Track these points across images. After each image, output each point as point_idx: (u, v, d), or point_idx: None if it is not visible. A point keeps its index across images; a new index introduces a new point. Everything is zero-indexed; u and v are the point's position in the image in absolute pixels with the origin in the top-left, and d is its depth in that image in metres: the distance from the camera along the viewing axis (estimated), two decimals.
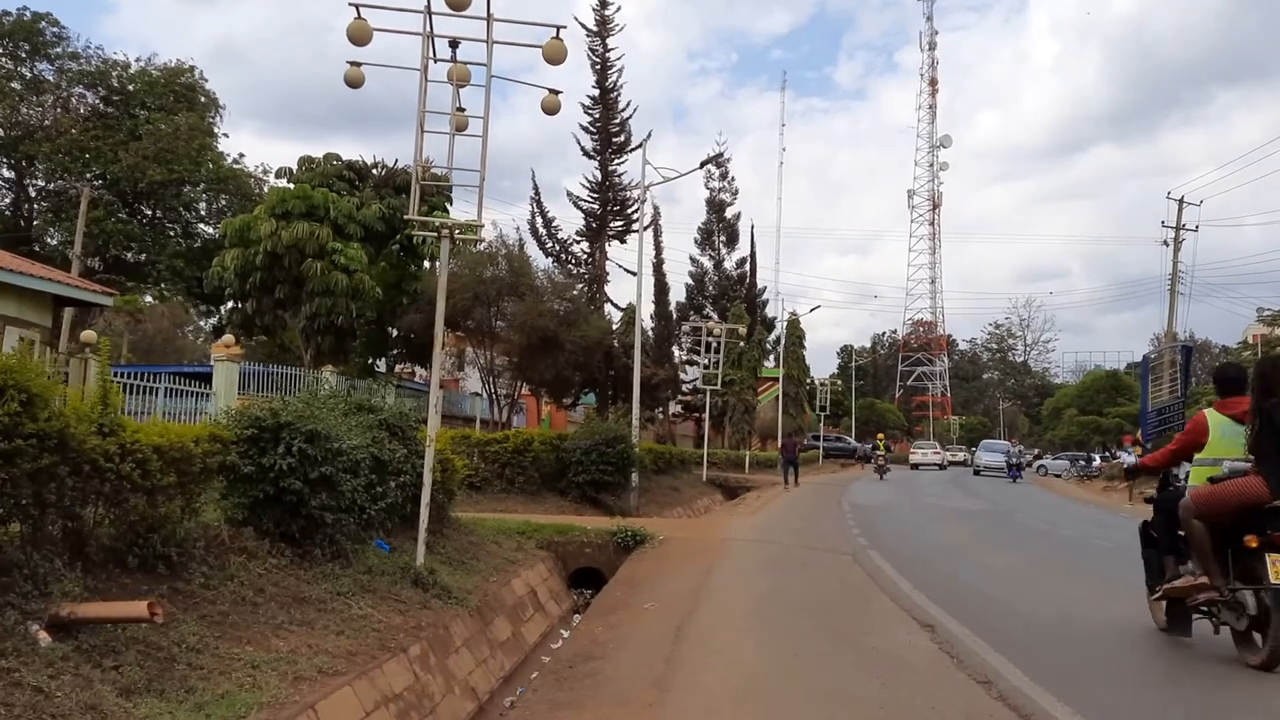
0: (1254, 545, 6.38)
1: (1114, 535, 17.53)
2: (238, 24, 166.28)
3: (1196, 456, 7.15)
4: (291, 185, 27.83)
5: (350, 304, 26.41)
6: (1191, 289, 56.25)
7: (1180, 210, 50.22)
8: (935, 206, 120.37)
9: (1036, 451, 74.49)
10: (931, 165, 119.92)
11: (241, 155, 45.08)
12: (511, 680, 9.93)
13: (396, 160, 30.46)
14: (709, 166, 57.40)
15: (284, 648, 7.11)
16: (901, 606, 8.99)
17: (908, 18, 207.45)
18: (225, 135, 47.06)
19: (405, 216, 12.19)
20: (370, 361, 31.82)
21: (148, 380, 19.27)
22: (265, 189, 34.79)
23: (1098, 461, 58.50)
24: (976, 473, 53.43)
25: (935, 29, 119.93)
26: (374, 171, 29.70)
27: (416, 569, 10.05)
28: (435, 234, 11.06)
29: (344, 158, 29.31)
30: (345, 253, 26.41)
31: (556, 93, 11.45)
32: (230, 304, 28.57)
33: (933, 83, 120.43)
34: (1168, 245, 50.16)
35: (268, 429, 8.84)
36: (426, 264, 30.05)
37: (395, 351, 31.80)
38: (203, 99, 50.68)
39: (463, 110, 11.19)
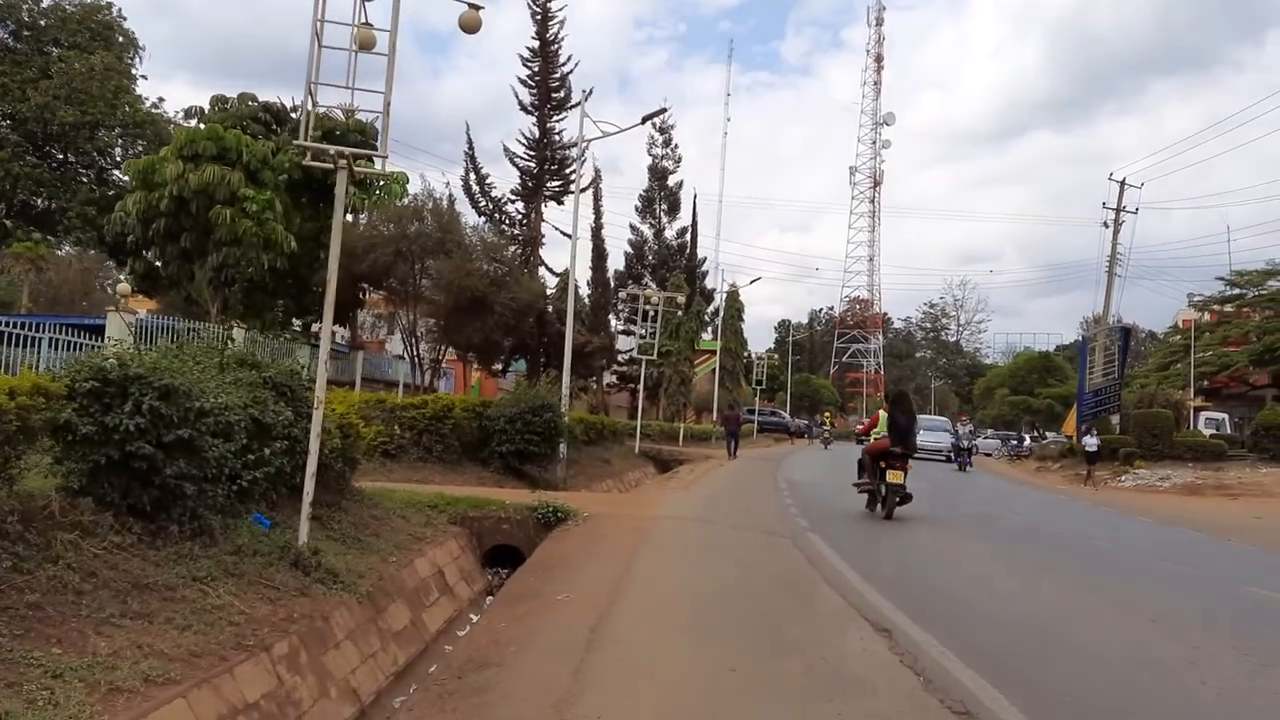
0: (883, 466, 15.38)
1: (1077, 525, 16.76)
2: None
3: (874, 432, 16.07)
4: (202, 126, 25.89)
5: (261, 255, 24.66)
6: (1127, 272, 56.36)
7: (1121, 192, 50.07)
8: (876, 184, 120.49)
9: (989, 432, 72.21)
10: (874, 142, 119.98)
11: (161, 100, 42.63)
12: (405, 676, 8.66)
13: (316, 104, 28.55)
14: (652, 131, 56.27)
15: (105, 649, 5.74)
16: (851, 604, 7.87)
17: None
18: (144, 77, 44.40)
19: (295, 143, 10.70)
20: (290, 319, 30.02)
21: (31, 330, 17.51)
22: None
23: (1028, 442, 58.65)
24: None
25: (883, 4, 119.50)
26: (293, 115, 27.81)
27: (298, 549, 8.69)
28: (331, 165, 9.59)
29: (260, 99, 27.39)
30: (257, 200, 24.62)
31: (477, 8, 10.03)
32: (135, 254, 26.58)
33: (878, 59, 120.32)
34: (1107, 226, 50.00)
35: (113, 383, 7.40)
36: (350, 217, 28.31)
37: (315, 309, 29.96)
38: (120, 38, 48.11)
39: (368, 25, 9.74)
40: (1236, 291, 53.46)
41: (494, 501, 14.26)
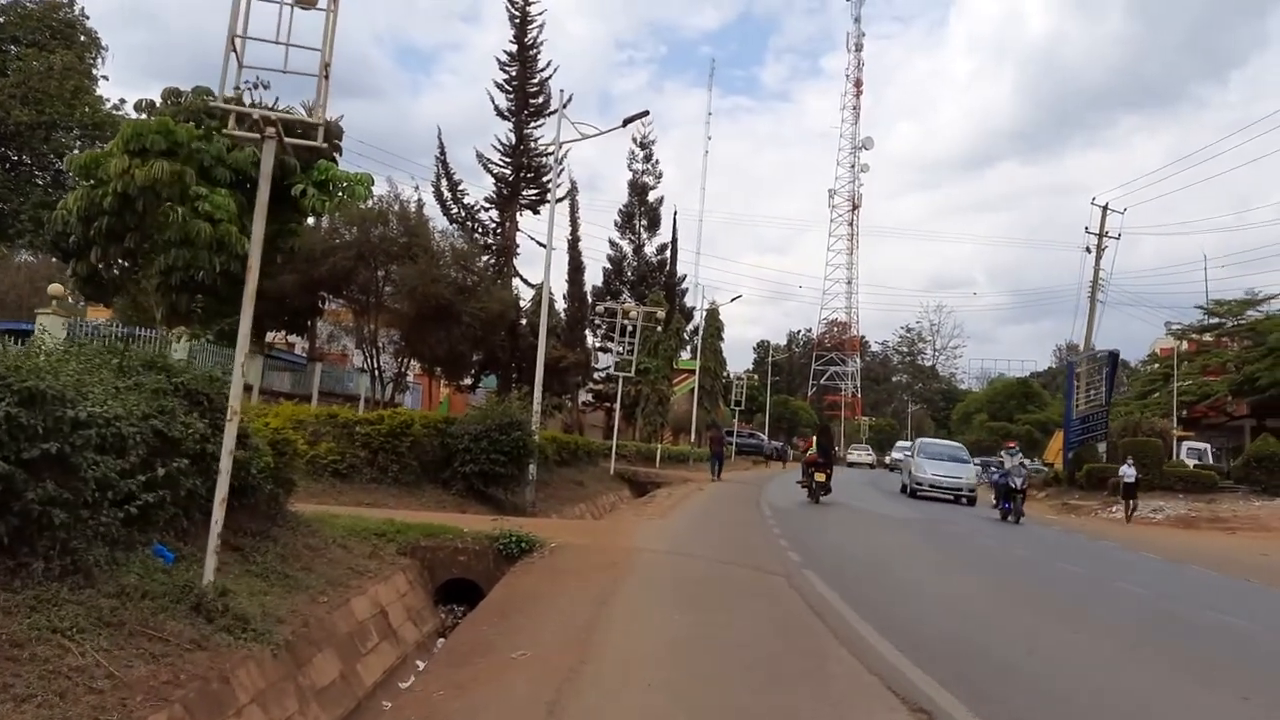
0: (813, 472, 24.89)
1: (1100, 567, 15.32)
2: None
3: (809, 453, 26.99)
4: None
5: (213, 258, 23.01)
6: (1107, 298, 55.24)
7: (1104, 217, 49.25)
8: (855, 207, 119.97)
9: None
10: (853, 166, 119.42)
11: (123, 100, 41.01)
12: None
13: (277, 100, 26.94)
14: (633, 146, 55.15)
15: None
16: (871, 669, 6.44)
17: (834, 23, 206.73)
18: (105, 78, 42.88)
19: (211, 103, 9.21)
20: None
21: None
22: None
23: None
24: (912, 493, 32.98)
25: (863, 30, 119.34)
26: (251, 111, 26.17)
27: (200, 589, 7.19)
28: (256, 137, 8.14)
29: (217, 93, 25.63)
30: (211, 199, 22.94)
31: None
32: (77, 255, 24.82)
33: (858, 84, 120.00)
34: (1090, 252, 49.23)
35: None
36: (311, 220, 26.67)
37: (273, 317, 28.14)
38: (82, 37, 46.77)
39: None
40: (1215, 321, 52.88)
41: (450, 529, 12.75)
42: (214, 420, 8.79)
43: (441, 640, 11.14)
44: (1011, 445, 28.22)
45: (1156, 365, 60.38)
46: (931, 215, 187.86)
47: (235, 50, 7.92)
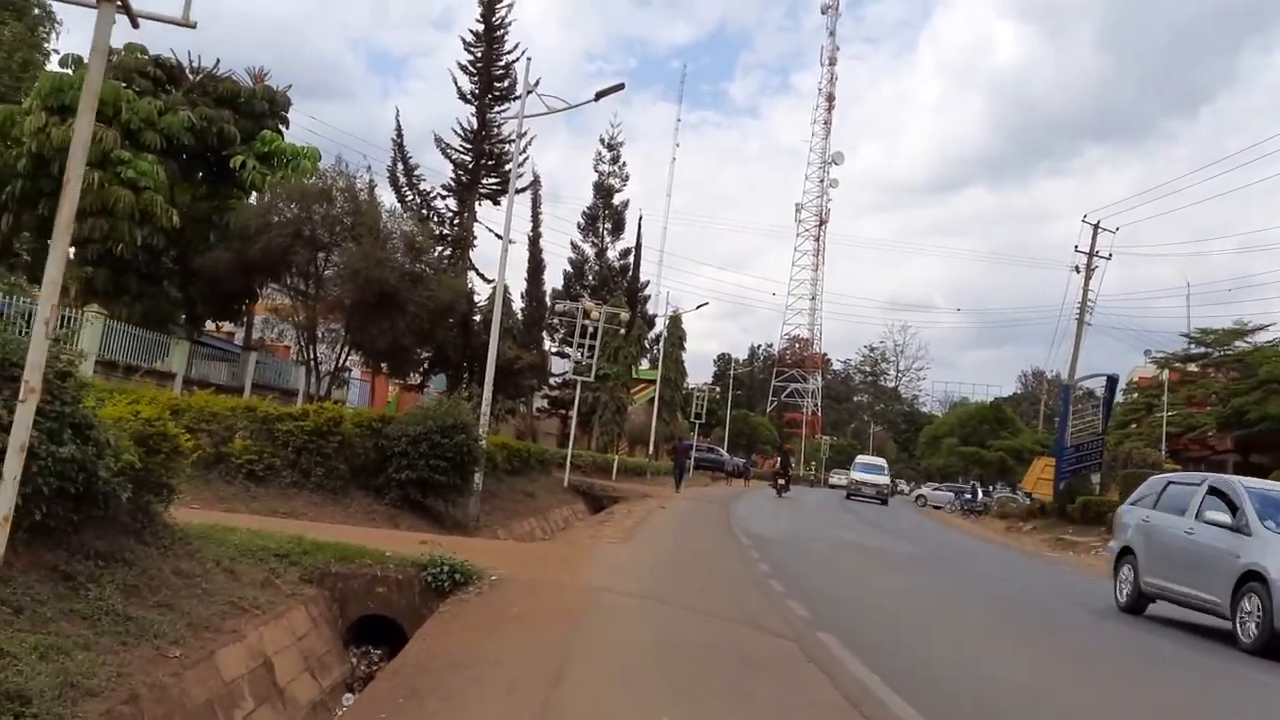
0: (778, 478, 43.24)
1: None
2: None
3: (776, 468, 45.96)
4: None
5: (134, 230, 20.58)
6: (1103, 318, 53.37)
7: (1095, 236, 47.79)
8: (822, 223, 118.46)
9: (932, 485, 69.30)
10: (822, 181, 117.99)
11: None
12: None
13: (218, 62, 24.47)
14: (600, 148, 53.41)
15: None
16: None
17: (806, 41, 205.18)
18: (57, 51, 40.55)
19: None
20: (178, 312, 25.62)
21: None
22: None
23: (981, 496, 55.84)
24: (848, 495, 51.29)
25: (836, 45, 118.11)
26: (189, 75, 23.69)
27: None
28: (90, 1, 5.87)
29: (151, 51, 23.21)
30: (136, 165, 20.57)
31: None
32: None
33: (829, 98, 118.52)
34: (1079, 271, 47.70)
35: None
36: (254, 198, 24.21)
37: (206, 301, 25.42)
38: (36, 10, 44.73)
39: None
40: (1201, 350, 51.58)
41: (369, 552, 10.42)
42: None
43: (349, 695, 8.91)
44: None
45: (1136, 394, 59.02)
46: (895, 236, 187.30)
47: None
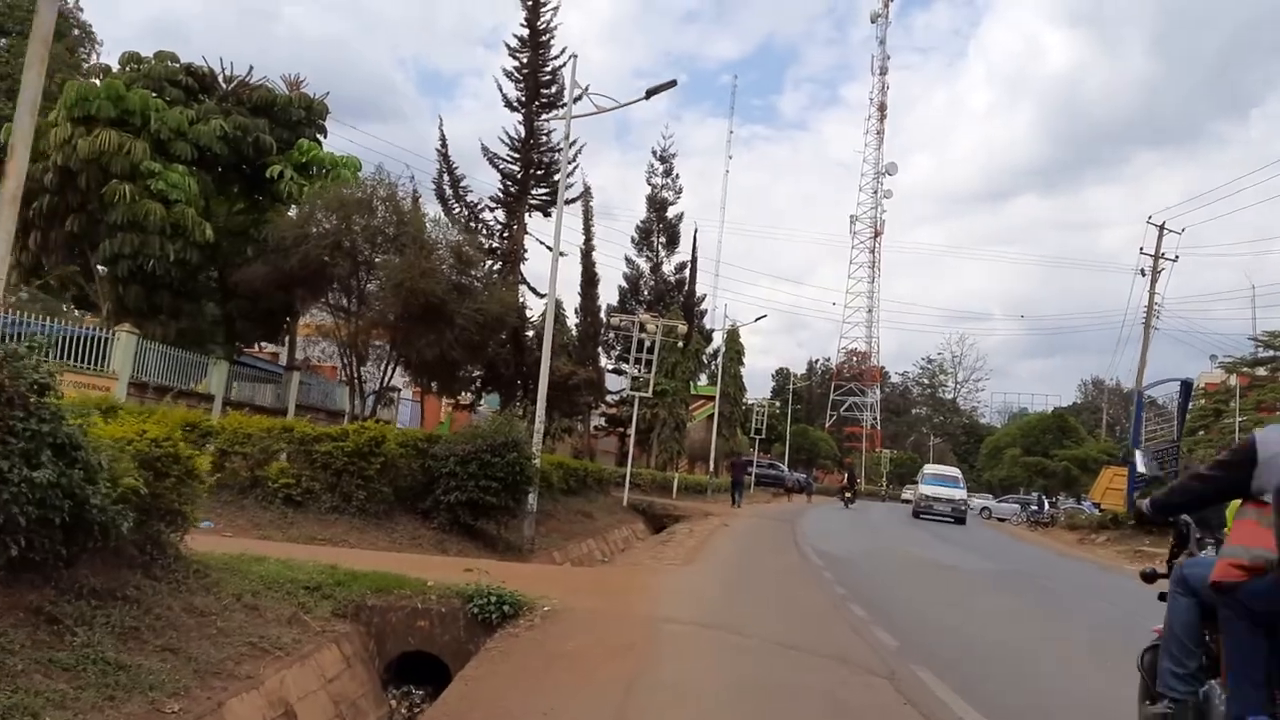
0: (845, 492, 49.85)
1: None
2: (179, 4, 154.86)
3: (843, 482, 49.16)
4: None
5: (167, 245, 19.78)
6: (1163, 324, 51.34)
7: (1160, 237, 45.94)
8: (877, 234, 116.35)
9: (993, 497, 67.93)
10: (875, 192, 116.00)
11: None
12: None
13: (251, 69, 23.66)
14: (653, 160, 52.33)
15: None
16: None
17: (853, 53, 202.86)
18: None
19: None
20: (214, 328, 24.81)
21: None
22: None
23: (1047, 507, 53.76)
24: (916, 513, 43.74)
25: (888, 54, 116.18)
26: (221, 83, 22.93)
27: None
28: None
29: (184, 61, 22.44)
30: (166, 177, 19.79)
31: None
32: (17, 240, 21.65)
33: (881, 108, 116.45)
34: (1144, 275, 45.98)
35: None
36: (293, 210, 23.38)
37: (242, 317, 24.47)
38: (75, 30, 45.27)
39: None
40: (1269, 354, 49.48)
41: (410, 582, 9.31)
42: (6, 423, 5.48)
43: None
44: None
45: (1204, 400, 56.76)
46: (948, 245, 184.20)
47: None
